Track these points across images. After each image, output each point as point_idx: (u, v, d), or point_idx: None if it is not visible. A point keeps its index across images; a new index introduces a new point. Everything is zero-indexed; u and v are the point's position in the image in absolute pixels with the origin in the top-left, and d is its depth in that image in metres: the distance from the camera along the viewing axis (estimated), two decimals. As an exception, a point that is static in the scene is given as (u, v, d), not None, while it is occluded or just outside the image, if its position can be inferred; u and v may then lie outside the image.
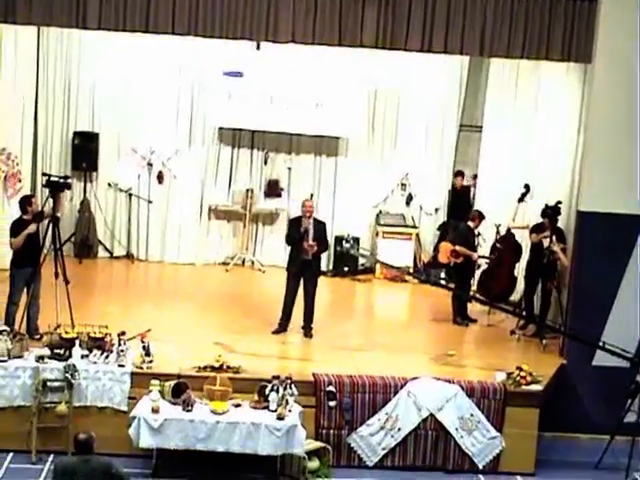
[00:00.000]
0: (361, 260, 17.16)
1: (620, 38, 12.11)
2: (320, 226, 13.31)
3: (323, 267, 16.02)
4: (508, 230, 14.66)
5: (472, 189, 17.00)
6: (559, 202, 13.48)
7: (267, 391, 10.88)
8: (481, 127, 16.73)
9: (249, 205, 16.97)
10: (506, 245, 14.59)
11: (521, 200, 14.75)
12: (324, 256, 15.03)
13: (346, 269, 17.03)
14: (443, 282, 15.21)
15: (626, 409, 11.80)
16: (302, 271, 13.13)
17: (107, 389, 11.10)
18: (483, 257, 14.56)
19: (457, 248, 14.41)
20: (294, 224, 13.36)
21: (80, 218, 16.72)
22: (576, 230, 12.86)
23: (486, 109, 16.60)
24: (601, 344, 11.96)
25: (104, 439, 9.47)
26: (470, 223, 14.56)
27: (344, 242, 16.19)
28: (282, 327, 13.18)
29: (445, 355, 12.61)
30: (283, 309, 13.17)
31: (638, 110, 12.22)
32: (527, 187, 14.73)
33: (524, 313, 13.88)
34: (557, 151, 14.22)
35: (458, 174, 17.17)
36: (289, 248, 13.40)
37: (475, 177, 16.99)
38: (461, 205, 16.63)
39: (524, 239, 14.58)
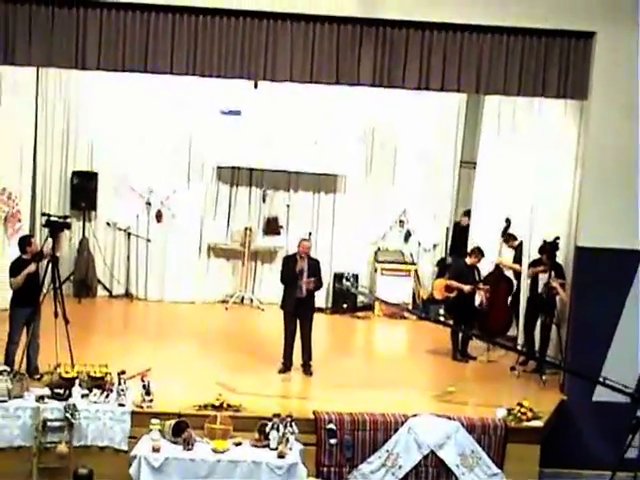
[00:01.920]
0: (360, 297, 17.15)
1: (616, 75, 12.17)
2: (314, 264, 13.29)
3: (322, 304, 16.03)
4: (497, 266, 14.70)
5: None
6: (557, 238, 13.51)
7: (268, 429, 10.85)
8: (480, 163, 16.80)
9: (248, 243, 16.99)
10: (495, 280, 14.63)
11: (504, 234, 14.79)
12: (323, 293, 14.97)
13: (345, 306, 17.03)
14: (442, 318, 15.19)
15: (627, 445, 11.74)
16: (297, 309, 13.08)
17: (107, 428, 11.05)
18: (477, 288, 14.49)
19: (448, 282, 14.45)
20: (288, 263, 13.28)
21: (79, 257, 16.72)
22: (574, 265, 12.88)
23: (481, 145, 16.66)
24: (601, 380, 11.90)
25: (105, 478, 9.43)
26: (468, 259, 14.60)
27: (344, 280, 16.19)
28: (287, 366, 13.11)
29: (445, 392, 12.58)
30: (284, 348, 13.11)
31: (634, 146, 12.30)
32: (508, 221, 14.82)
33: (524, 349, 13.87)
34: (555, 186, 14.21)
35: (466, 214, 17.14)
36: (283, 287, 13.34)
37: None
38: (462, 242, 16.63)
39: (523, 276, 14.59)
